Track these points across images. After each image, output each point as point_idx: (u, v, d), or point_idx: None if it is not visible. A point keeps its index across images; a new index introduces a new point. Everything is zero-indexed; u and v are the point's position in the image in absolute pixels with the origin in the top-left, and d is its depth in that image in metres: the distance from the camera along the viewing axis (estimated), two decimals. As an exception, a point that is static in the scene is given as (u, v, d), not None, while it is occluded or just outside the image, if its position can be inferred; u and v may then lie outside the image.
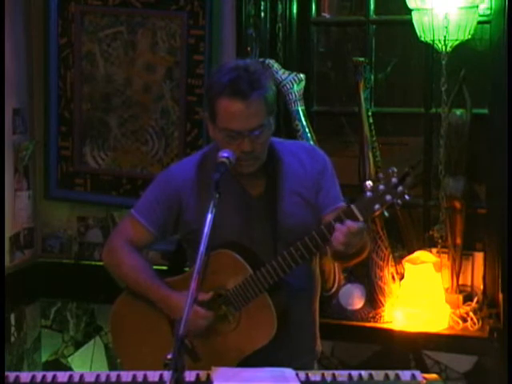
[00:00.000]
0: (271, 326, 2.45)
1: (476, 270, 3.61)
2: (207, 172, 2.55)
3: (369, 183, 2.26)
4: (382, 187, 2.25)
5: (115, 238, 2.70)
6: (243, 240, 2.53)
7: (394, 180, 2.24)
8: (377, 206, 2.26)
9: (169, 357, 1.96)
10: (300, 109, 3.54)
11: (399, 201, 2.25)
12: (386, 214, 2.29)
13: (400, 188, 2.24)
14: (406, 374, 2.27)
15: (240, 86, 2.38)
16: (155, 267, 2.74)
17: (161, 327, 2.59)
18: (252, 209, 2.55)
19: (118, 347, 2.76)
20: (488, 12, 3.46)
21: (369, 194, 2.26)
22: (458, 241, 3.53)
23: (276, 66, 3.54)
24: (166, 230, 2.65)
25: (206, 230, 2.16)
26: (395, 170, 2.25)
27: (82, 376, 2.27)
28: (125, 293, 2.68)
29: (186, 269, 2.71)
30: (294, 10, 3.74)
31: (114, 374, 2.28)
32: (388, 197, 2.24)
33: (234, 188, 2.51)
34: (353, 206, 2.29)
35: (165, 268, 2.86)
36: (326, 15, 3.93)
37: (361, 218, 2.28)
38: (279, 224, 2.52)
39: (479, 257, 3.60)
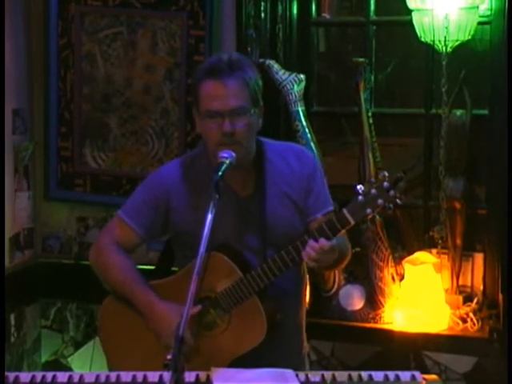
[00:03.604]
0: (261, 328, 2.45)
1: (476, 271, 3.61)
2: (195, 173, 2.56)
3: (360, 187, 2.27)
4: (373, 191, 2.26)
5: (102, 239, 2.68)
6: (232, 242, 2.52)
7: (386, 184, 2.25)
8: (368, 210, 2.27)
9: (168, 357, 1.95)
10: (300, 109, 3.53)
11: (391, 205, 2.26)
12: (378, 217, 2.31)
13: (392, 192, 2.25)
14: (405, 375, 2.27)
15: (219, 67, 2.42)
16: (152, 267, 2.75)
17: (146, 328, 2.58)
18: (241, 210, 2.54)
19: (105, 346, 2.72)
20: (488, 13, 3.46)
21: (361, 197, 2.27)
22: (458, 241, 3.53)
23: (276, 66, 3.54)
24: (153, 231, 2.64)
25: (206, 231, 2.16)
26: (387, 174, 2.26)
27: (81, 376, 2.27)
28: (112, 293, 2.67)
29: (174, 268, 2.70)
30: (294, 11, 3.74)
31: (113, 375, 2.27)
32: (380, 201, 2.25)
33: (223, 189, 2.46)
34: (344, 210, 2.30)
35: (152, 268, 2.84)
36: (326, 16, 3.93)
37: (352, 222, 2.29)
38: (268, 225, 2.52)
39: (479, 258, 3.60)
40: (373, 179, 2.28)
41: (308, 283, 2.76)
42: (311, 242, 2.31)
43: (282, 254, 2.41)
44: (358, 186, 2.28)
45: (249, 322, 2.47)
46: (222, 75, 2.41)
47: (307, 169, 2.58)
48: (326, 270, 2.53)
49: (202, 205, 2.34)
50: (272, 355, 2.49)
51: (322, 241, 2.30)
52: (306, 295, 2.71)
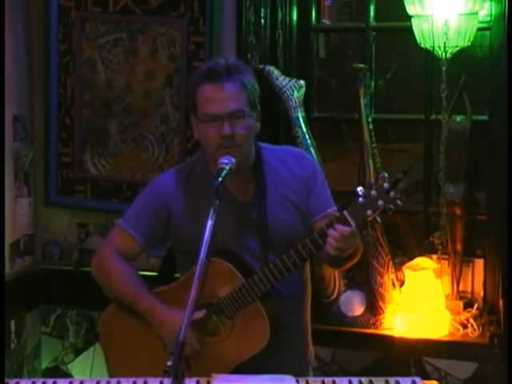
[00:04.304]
0: (264, 333, 2.45)
1: (476, 277, 3.61)
2: (194, 180, 2.57)
3: (360, 189, 2.27)
4: (373, 193, 2.25)
5: (104, 248, 2.69)
6: (233, 247, 2.52)
7: (386, 185, 2.24)
8: (369, 212, 2.27)
9: (169, 364, 1.95)
10: (300, 115, 3.54)
11: (391, 206, 2.25)
12: (379, 219, 2.30)
13: (392, 193, 2.24)
14: (406, 381, 2.26)
15: (217, 71, 2.44)
16: (154, 274, 2.74)
17: (149, 336, 2.57)
18: (241, 216, 2.54)
19: (106, 355, 2.73)
20: (488, 19, 3.46)
21: (361, 199, 2.27)
22: (458, 247, 3.53)
23: (276, 72, 3.54)
24: (153, 239, 2.65)
25: (207, 236, 2.16)
26: (386, 175, 2.26)
27: (81, 383, 2.27)
28: (115, 301, 2.67)
29: (177, 274, 2.70)
30: (294, 17, 3.74)
31: (114, 381, 2.28)
32: (380, 202, 2.25)
33: (223, 195, 2.43)
34: (345, 212, 2.30)
35: (155, 274, 2.85)
36: (326, 22, 3.94)
37: (353, 224, 2.28)
38: (269, 230, 2.52)
39: (479, 263, 3.60)
40: (373, 181, 2.28)
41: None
42: (331, 231, 2.30)
43: (283, 258, 2.41)
44: (359, 188, 2.28)
45: (251, 327, 2.47)
46: (220, 79, 2.42)
47: (307, 171, 2.58)
48: (345, 262, 2.50)
49: (201, 211, 2.34)
50: (274, 360, 2.49)
51: (340, 227, 2.29)
52: (309, 300, 2.70)
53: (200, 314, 2.46)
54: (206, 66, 2.51)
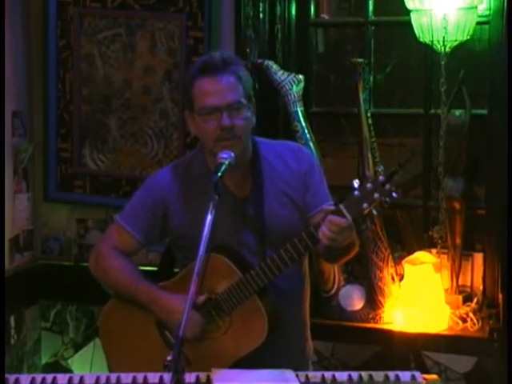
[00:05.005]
0: (262, 328, 2.45)
1: (476, 271, 3.61)
2: (192, 176, 2.56)
3: (356, 182, 2.27)
4: (369, 186, 2.25)
5: (102, 245, 2.69)
6: (231, 243, 2.52)
7: (382, 178, 2.24)
8: (365, 205, 2.26)
9: (168, 358, 1.96)
10: (299, 110, 3.54)
11: (387, 199, 2.25)
12: (375, 212, 2.30)
13: (387, 186, 2.24)
14: (405, 375, 2.26)
15: (213, 63, 2.44)
16: (153, 269, 2.74)
17: (148, 331, 2.58)
18: (238, 211, 2.54)
19: (106, 350, 2.73)
20: (487, 13, 3.46)
21: (357, 193, 2.26)
22: (458, 241, 3.53)
23: (275, 67, 3.54)
24: (151, 236, 2.65)
25: (206, 231, 2.16)
26: (382, 168, 2.26)
27: (81, 378, 2.26)
28: (114, 297, 2.67)
29: (176, 270, 2.70)
30: (293, 12, 3.74)
31: (114, 376, 2.27)
32: (376, 195, 2.24)
33: (221, 190, 2.37)
34: (341, 206, 2.29)
35: (155, 269, 2.85)
36: (325, 16, 3.93)
37: (349, 218, 2.28)
38: (266, 225, 2.52)
39: (479, 257, 3.60)
40: (369, 173, 2.29)
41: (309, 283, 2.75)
42: (325, 221, 2.28)
43: (280, 253, 2.41)
44: (355, 181, 2.27)
45: (249, 322, 2.47)
46: (216, 71, 2.43)
47: (304, 166, 2.58)
48: (341, 256, 2.50)
49: (199, 207, 2.34)
50: (273, 354, 2.49)
51: (332, 217, 2.27)
52: (308, 294, 2.70)
53: (202, 298, 2.46)
54: (202, 60, 2.51)
